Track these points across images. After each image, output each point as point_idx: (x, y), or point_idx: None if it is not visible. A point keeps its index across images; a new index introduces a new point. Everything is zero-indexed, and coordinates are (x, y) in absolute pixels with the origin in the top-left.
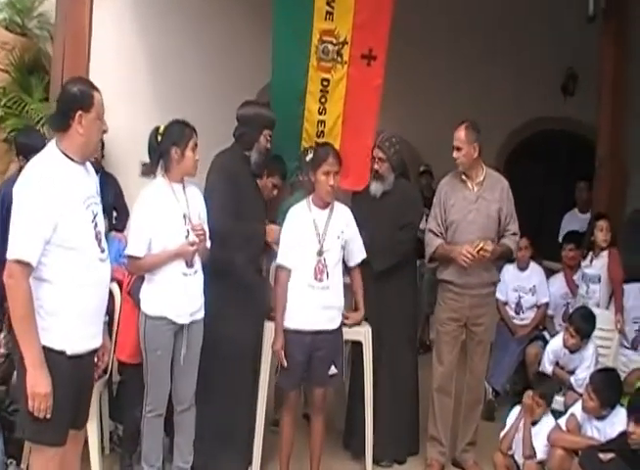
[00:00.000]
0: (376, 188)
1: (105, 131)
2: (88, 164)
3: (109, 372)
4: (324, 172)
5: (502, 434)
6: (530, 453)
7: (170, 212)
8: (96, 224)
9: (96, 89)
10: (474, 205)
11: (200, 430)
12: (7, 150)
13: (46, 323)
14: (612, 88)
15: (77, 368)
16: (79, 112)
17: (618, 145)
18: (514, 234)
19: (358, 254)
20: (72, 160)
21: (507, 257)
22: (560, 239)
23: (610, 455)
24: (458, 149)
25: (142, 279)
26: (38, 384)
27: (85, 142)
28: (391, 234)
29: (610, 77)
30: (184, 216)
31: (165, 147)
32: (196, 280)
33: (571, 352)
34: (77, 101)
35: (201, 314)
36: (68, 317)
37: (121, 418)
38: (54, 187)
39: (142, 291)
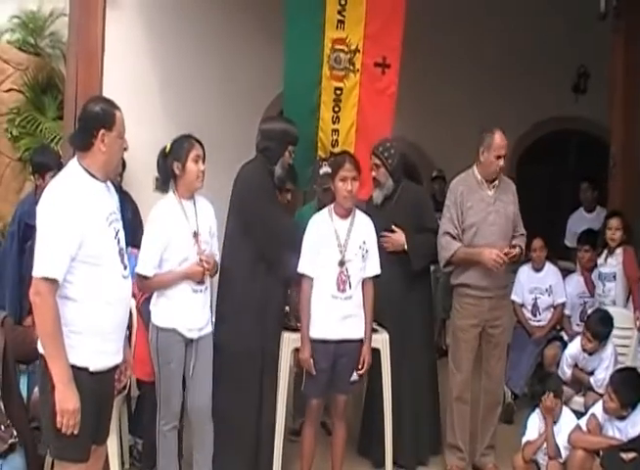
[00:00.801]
0: (376, 195)
1: (125, 149)
2: (109, 181)
3: (128, 387)
4: (341, 178)
5: (524, 440)
6: (555, 454)
7: (180, 232)
8: (118, 241)
9: (117, 108)
10: (492, 206)
11: (217, 442)
12: (22, 169)
13: (69, 340)
14: (623, 86)
15: (100, 384)
16: (102, 130)
17: (632, 143)
18: (522, 235)
19: (372, 268)
20: (95, 177)
21: (520, 258)
22: (565, 239)
23: (632, 455)
24: (505, 156)
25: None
26: (67, 400)
27: (107, 160)
28: (419, 237)
29: (621, 75)
30: (194, 235)
31: (170, 164)
32: (205, 296)
33: (590, 354)
34: (100, 120)
35: (209, 329)
36: (92, 334)
37: (141, 433)
38: (78, 204)
39: (152, 303)
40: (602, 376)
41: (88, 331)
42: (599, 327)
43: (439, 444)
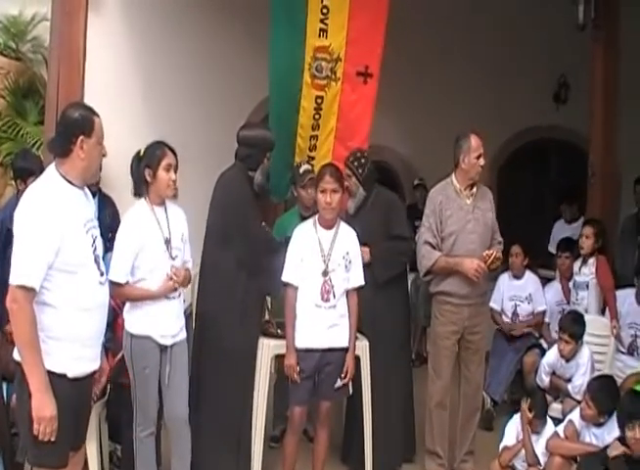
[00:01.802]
0: (349, 205)
1: (104, 155)
2: (86, 188)
3: (108, 393)
4: (321, 190)
5: (502, 445)
6: (534, 461)
7: (151, 238)
8: (95, 248)
9: (96, 114)
10: (471, 214)
11: (196, 447)
12: (2, 173)
13: (47, 347)
14: (603, 96)
15: (78, 391)
16: (81, 137)
17: (611, 153)
18: (499, 242)
19: (356, 279)
20: (72, 184)
21: (499, 266)
22: (549, 247)
23: (616, 452)
24: (485, 156)
25: None
26: (44, 408)
27: (86, 167)
28: (384, 245)
29: (601, 85)
30: (166, 241)
31: (142, 170)
32: (178, 304)
33: (567, 360)
34: (79, 126)
35: (183, 335)
36: (70, 341)
37: (120, 439)
38: (56, 211)
39: (126, 311)
40: (579, 382)
41: (66, 337)
42: (573, 326)
43: (413, 450)
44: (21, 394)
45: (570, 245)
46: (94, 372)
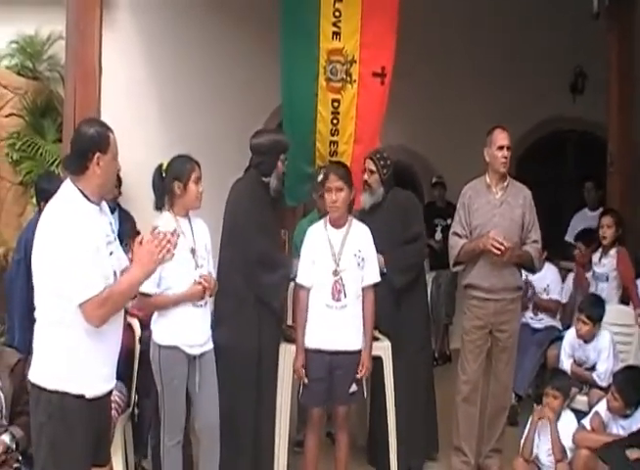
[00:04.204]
0: (364, 200)
1: (118, 170)
2: (103, 202)
3: (132, 406)
4: (326, 190)
5: (523, 440)
6: (561, 455)
7: (178, 248)
8: (113, 263)
9: (110, 130)
10: (498, 209)
11: (221, 453)
12: (23, 192)
13: (64, 368)
14: (619, 85)
15: (97, 410)
16: (97, 154)
17: (629, 141)
18: (535, 241)
19: (371, 276)
20: (89, 199)
21: (528, 264)
22: (567, 237)
23: (637, 454)
24: (508, 148)
25: None
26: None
27: (102, 183)
28: (394, 248)
29: (616, 74)
30: (192, 251)
31: (168, 183)
32: (205, 312)
33: (586, 341)
34: (95, 143)
35: (210, 345)
36: (87, 360)
37: (144, 451)
38: (81, 226)
39: (153, 321)
40: (603, 368)
41: (81, 357)
42: (591, 308)
43: (436, 448)
44: (37, 416)
45: (585, 235)
46: (111, 391)
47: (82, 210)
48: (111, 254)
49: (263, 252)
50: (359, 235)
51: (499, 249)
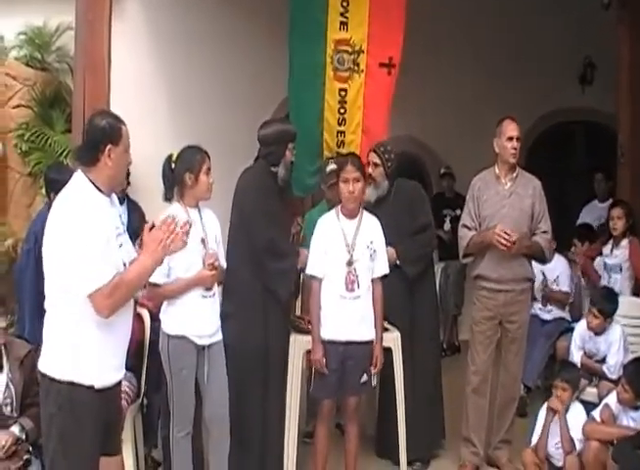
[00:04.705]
0: (369, 193)
1: (129, 163)
2: (113, 194)
3: (142, 396)
4: (343, 180)
5: (534, 438)
6: (570, 449)
7: (189, 238)
8: (122, 254)
9: (123, 122)
10: (507, 200)
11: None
12: (32, 183)
13: (74, 359)
14: (630, 76)
15: (106, 401)
16: (109, 145)
17: (639, 132)
18: (545, 232)
19: (381, 268)
20: (100, 190)
21: (538, 254)
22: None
23: None
24: (518, 139)
25: None
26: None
27: (113, 175)
28: (403, 240)
29: (627, 65)
30: (202, 241)
31: (179, 173)
32: (214, 302)
33: (596, 333)
34: (107, 135)
35: (219, 336)
36: (97, 351)
37: (154, 441)
38: (92, 217)
39: (162, 311)
40: (614, 361)
41: (91, 348)
42: (604, 303)
43: (443, 439)
44: (47, 407)
45: (583, 231)
46: (120, 381)
47: (93, 201)
48: (120, 246)
49: (270, 240)
50: (371, 226)
51: (505, 244)
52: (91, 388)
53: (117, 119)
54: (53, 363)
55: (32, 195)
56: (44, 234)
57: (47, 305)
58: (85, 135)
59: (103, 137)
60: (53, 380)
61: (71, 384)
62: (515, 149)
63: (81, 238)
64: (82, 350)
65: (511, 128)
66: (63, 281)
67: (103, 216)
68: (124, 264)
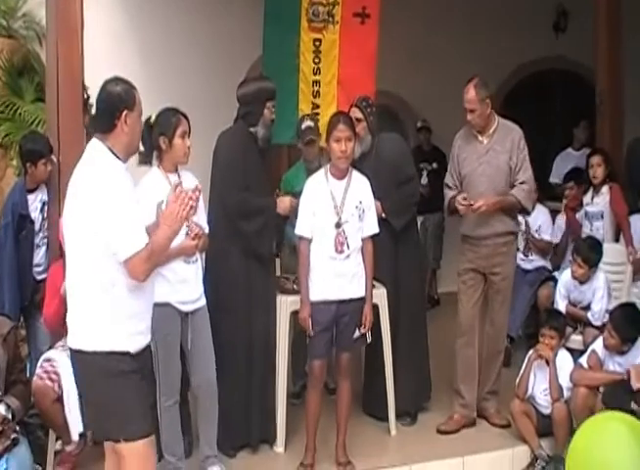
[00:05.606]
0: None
1: None
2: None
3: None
4: (335, 139)
5: (517, 380)
6: (558, 396)
7: (199, 202)
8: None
9: (135, 88)
10: (484, 157)
11: (219, 408)
12: (2, 155)
13: (108, 328)
14: (607, 23)
15: (142, 364)
16: (125, 111)
17: (617, 80)
18: (522, 183)
19: (370, 227)
20: (118, 158)
21: (516, 208)
22: (551, 177)
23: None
24: (472, 111)
25: None
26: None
27: (129, 141)
28: (388, 193)
29: (604, 14)
30: None
31: (155, 137)
32: (197, 268)
33: (581, 283)
34: (122, 100)
35: (203, 301)
36: (128, 317)
37: None
38: (119, 183)
39: None
40: (598, 308)
41: (124, 314)
42: (589, 252)
43: (430, 392)
44: (90, 379)
45: (575, 175)
46: (149, 345)
47: (115, 167)
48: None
49: (240, 201)
50: (360, 186)
51: (465, 210)
52: (127, 354)
53: (130, 85)
54: (87, 336)
55: (3, 167)
56: (23, 207)
57: (72, 281)
58: (99, 103)
59: (119, 103)
60: (86, 353)
61: (107, 353)
62: (471, 112)
63: (116, 203)
64: (116, 317)
65: (466, 99)
66: (97, 249)
67: (126, 181)
68: (146, 230)
